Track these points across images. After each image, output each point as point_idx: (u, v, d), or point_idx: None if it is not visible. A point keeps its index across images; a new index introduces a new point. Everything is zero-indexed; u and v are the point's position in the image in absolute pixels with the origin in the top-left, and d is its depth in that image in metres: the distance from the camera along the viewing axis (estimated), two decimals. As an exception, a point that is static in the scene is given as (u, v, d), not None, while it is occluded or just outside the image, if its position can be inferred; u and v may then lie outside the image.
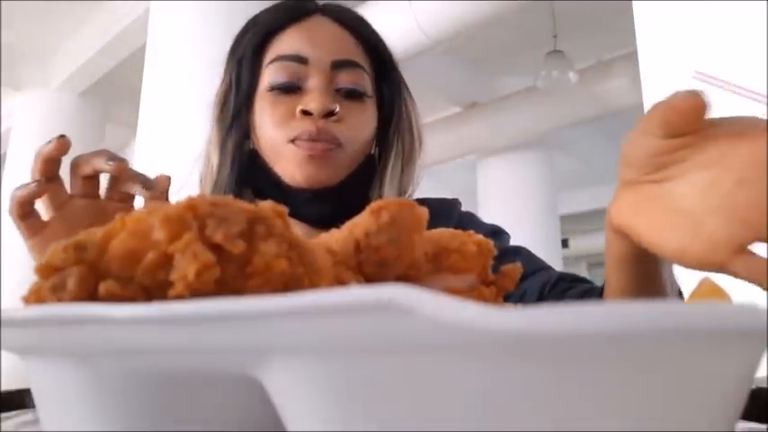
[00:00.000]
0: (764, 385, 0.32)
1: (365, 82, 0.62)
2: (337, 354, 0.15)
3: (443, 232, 0.25)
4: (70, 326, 0.16)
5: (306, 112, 0.58)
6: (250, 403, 0.19)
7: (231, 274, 0.18)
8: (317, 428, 0.16)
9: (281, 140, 0.59)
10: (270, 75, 0.60)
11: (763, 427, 0.29)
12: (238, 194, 0.62)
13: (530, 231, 4.36)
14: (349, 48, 0.62)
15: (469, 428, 0.14)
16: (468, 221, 0.66)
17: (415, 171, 0.67)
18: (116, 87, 4.33)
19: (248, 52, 0.63)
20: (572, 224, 7.27)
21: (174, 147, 2.72)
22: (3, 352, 0.20)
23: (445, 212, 0.66)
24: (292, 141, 0.58)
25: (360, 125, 0.61)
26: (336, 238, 0.23)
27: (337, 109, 0.58)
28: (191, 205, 0.18)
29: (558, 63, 3.66)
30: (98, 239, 0.19)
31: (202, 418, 0.20)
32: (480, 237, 0.25)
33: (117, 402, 0.19)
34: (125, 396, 0.19)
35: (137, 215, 0.19)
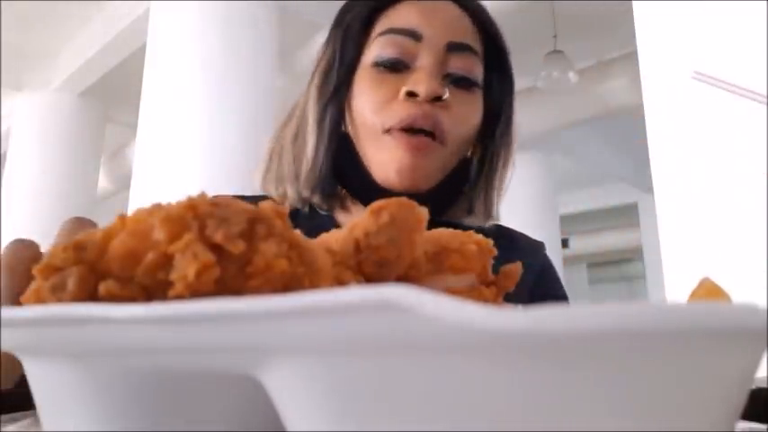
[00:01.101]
0: (764, 385, 0.32)
1: (478, 71, 0.56)
2: (337, 354, 0.15)
3: (443, 232, 0.25)
4: (70, 326, 0.16)
5: (411, 94, 0.52)
6: (250, 403, 0.19)
7: (231, 274, 0.18)
8: (317, 428, 0.16)
9: (376, 129, 0.53)
10: (377, 48, 0.55)
11: (763, 427, 0.29)
12: (331, 186, 0.57)
13: (530, 231, 4.34)
14: (467, 31, 0.56)
15: (470, 428, 0.14)
16: (549, 270, 0.60)
17: (508, 179, 0.61)
18: (116, 87, 4.33)
19: (356, 22, 0.57)
20: (572, 224, 7.27)
21: (174, 147, 2.72)
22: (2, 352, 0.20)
23: (532, 252, 0.61)
24: (388, 132, 0.53)
25: (467, 117, 0.55)
26: (336, 237, 0.23)
27: (446, 95, 0.53)
28: (191, 205, 0.18)
29: (558, 63, 3.66)
30: (98, 239, 0.19)
31: (202, 418, 0.20)
32: (480, 237, 0.25)
33: (117, 402, 0.19)
34: (125, 396, 0.19)
35: (137, 215, 0.19)
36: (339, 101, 0.57)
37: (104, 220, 0.21)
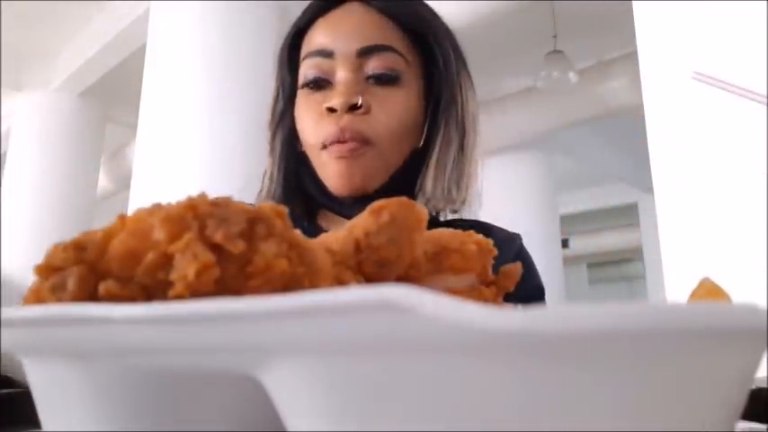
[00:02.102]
0: (764, 385, 0.32)
1: (398, 65, 0.58)
2: (337, 353, 0.15)
3: (443, 232, 0.25)
4: (70, 326, 0.16)
5: (331, 110, 0.56)
6: (250, 403, 0.19)
7: (231, 274, 0.18)
8: (317, 428, 0.16)
9: (316, 147, 0.58)
10: (303, 72, 0.60)
11: (763, 427, 0.29)
12: (287, 202, 0.61)
13: (530, 231, 4.34)
14: (380, 32, 0.58)
15: (469, 428, 0.14)
16: (525, 259, 0.62)
17: (470, 164, 0.62)
18: (116, 87, 4.33)
19: (284, 50, 0.63)
20: (572, 224, 7.27)
21: (174, 147, 2.72)
22: (2, 352, 0.20)
23: (507, 243, 0.62)
24: (324, 147, 0.57)
25: (392, 111, 0.57)
26: (336, 237, 0.23)
27: (359, 101, 0.56)
28: (191, 205, 0.18)
29: (558, 63, 3.66)
30: (98, 239, 0.19)
31: (202, 418, 0.20)
32: (480, 236, 0.25)
33: (116, 402, 0.19)
34: (125, 396, 0.19)
35: (137, 215, 0.19)
36: (285, 125, 0.62)
37: (104, 220, 0.21)
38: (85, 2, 3.80)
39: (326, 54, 0.58)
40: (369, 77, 0.58)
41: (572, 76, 3.67)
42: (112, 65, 4.12)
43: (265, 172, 0.64)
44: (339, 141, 0.56)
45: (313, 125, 0.58)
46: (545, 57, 3.71)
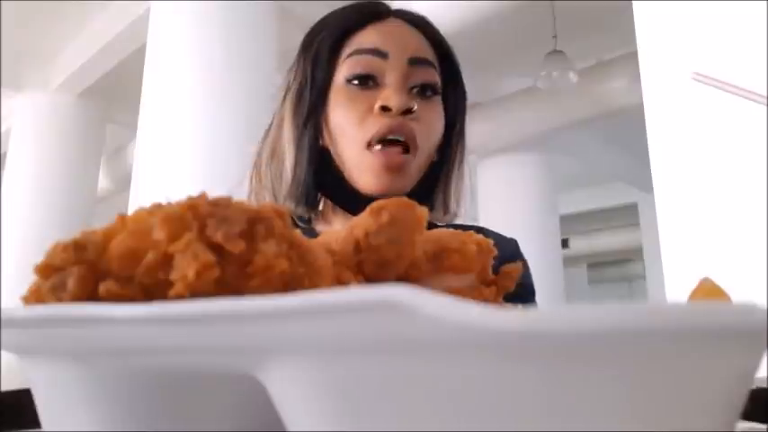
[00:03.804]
0: (764, 385, 0.32)
1: (437, 81, 0.62)
2: (338, 354, 0.15)
3: (443, 232, 0.25)
4: (70, 326, 0.16)
5: (385, 108, 0.58)
6: (250, 403, 0.19)
7: (231, 274, 0.18)
8: (317, 428, 0.16)
9: (358, 144, 0.59)
10: (348, 68, 0.61)
11: (763, 427, 0.29)
12: (314, 197, 0.63)
13: (530, 231, 4.36)
14: (424, 47, 0.63)
15: (470, 428, 0.14)
16: (519, 259, 0.65)
17: (465, 179, 0.67)
18: (116, 87, 4.33)
19: (325, 48, 0.63)
20: (572, 224, 7.27)
21: (174, 147, 2.72)
22: (2, 352, 0.20)
23: (503, 246, 0.65)
24: (368, 146, 0.58)
25: (434, 124, 0.61)
26: (336, 237, 0.23)
27: (416, 107, 0.59)
28: (191, 205, 0.18)
29: (558, 63, 3.66)
30: (98, 239, 0.19)
31: (202, 418, 0.20)
32: (480, 237, 0.25)
33: (117, 402, 0.19)
34: (125, 396, 0.19)
35: (137, 215, 0.19)
36: (316, 119, 0.62)
37: (104, 220, 0.21)
38: (85, 2, 3.80)
39: (382, 54, 0.60)
40: (413, 87, 0.61)
41: (572, 76, 3.66)
42: (112, 65, 4.12)
43: (284, 163, 0.63)
44: (387, 144, 0.58)
45: (358, 121, 0.59)
46: (545, 57, 3.71)
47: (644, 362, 0.13)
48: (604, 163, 5.92)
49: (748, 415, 0.28)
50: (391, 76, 0.60)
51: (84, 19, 3.98)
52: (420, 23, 0.65)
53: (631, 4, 2.01)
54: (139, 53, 3.31)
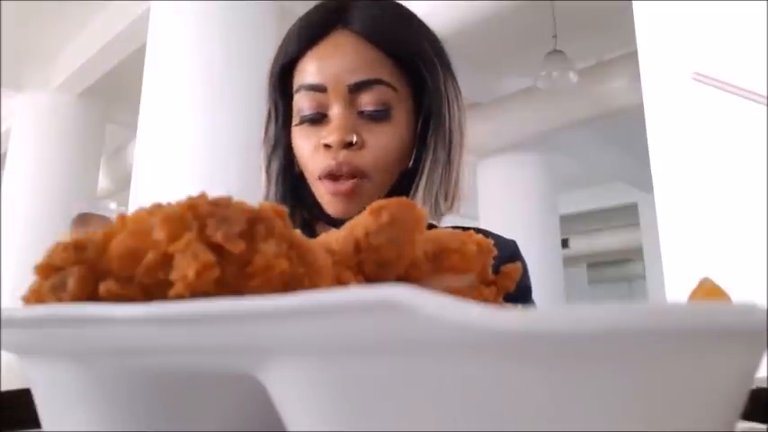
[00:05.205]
0: (764, 385, 0.32)
1: (388, 97, 0.60)
2: (338, 354, 0.15)
3: (443, 232, 0.25)
4: (70, 326, 0.16)
5: (327, 146, 0.59)
6: (250, 403, 0.19)
7: (231, 274, 0.18)
8: (317, 428, 0.16)
9: (313, 176, 0.61)
10: (298, 104, 0.62)
11: (763, 427, 0.29)
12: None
13: (530, 231, 4.36)
14: (369, 63, 0.60)
15: (470, 428, 0.14)
16: (518, 260, 0.65)
17: (456, 173, 0.64)
18: (116, 87, 4.33)
19: (275, 79, 0.65)
20: (572, 224, 7.27)
21: (174, 147, 2.72)
22: (2, 352, 0.20)
23: (502, 248, 0.65)
24: (320, 179, 0.60)
25: (385, 148, 0.60)
26: (336, 237, 0.23)
27: (354, 139, 0.58)
28: (191, 205, 0.18)
29: (558, 63, 3.66)
30: (98, 239, 0.19)
31: (202, 418, 0.20)
32: (480, 237, 0.25)
33: (116, 402, 0.19)
34: (125, 396, 0.19)
35: (137, 215, 0.19)
36: (280, 149, 0.65)
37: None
38: (85, 2, 3.80)
39: (320, 89, 0.60)
40: (361, 111, 0.60)
41: (572, 75, 3.67)
42: (112, 65, 4.12)
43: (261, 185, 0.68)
44: (334, 177, 0.59)
45: (310, 157, 0.61)
46: (545, 57, 3.71)
47: (644, 362, 0.13)
48: (604, 163, 5.92)
49: (748, 415, 0.28)
50: (334, 108, 0.59)
51: (84, 19, 3.98)
52: (369, 28, 0.60)
53: (631, 4, 2.01)
54: (139, 53, 3.31)
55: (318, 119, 0.60)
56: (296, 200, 0.65)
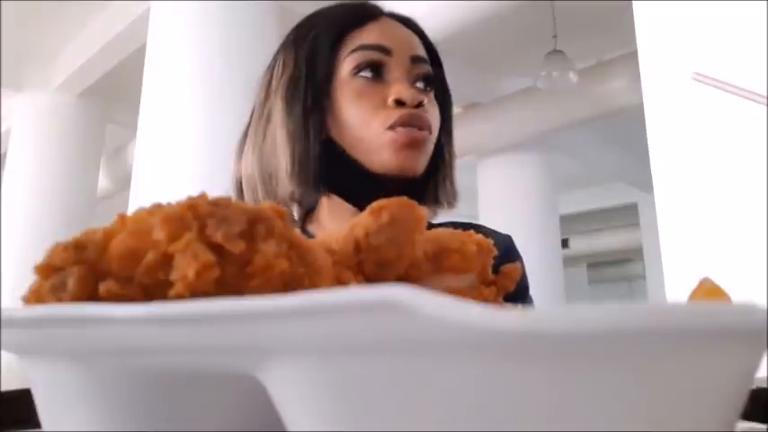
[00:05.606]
0: (764, 385, 0.32)
1: (432, 80, 0.65)
2: (338, 354, 0.15)
3: (443, 232, 0.25)
4: (70, 326, 0.16)
5: (399, 102, 0.60)
6: (250, 403, 0.19)
7: (231, 274, 0.18)
8: (317, 428, 0.16)
9: (376, 128, 0.60)
10: (353, 62, 0.62)
11: (763, 427, 0.29)
12: (318, 191, 0.64)
13: (530, 231, 4.36)
14: (420, 46, 0.65)
15: (470, 428, 0.14)
16: (514, 257, 0.67)
17: (457, 179, 0.69)
18: (116, 87, 4.33)
19: (324, 42, 0.64)
20: (572, 224, 7.27)
21: (174, 147, 2.72)
22: (3, 352, 0.20)
23: (499, 243, 0.66)
24: (391, 128, 0.60)
25: (437, 115, 0.64)
26: (336, 237, 0.23)
27: (426, 100, 0.61)
28: (191, 205, 0.18)
29: (558, 63, 3.66)
30: (98, 239, 0.19)
31: (202, 418, 0.20)
32: (480, 237, 0.25)
33: (116, 402, 0.19)
34: (125, 396, 0.19)
35: (137, 215, 0.19)
36: (320, 113, 0.62)
37: (104, 220, 0.21)
38: (85, 2, 3.80)
39: (386, 51, 0.62)
40: (415, 82, 0.63)
41: (572, 75, 3.66)
42: (112, 65, 4.12)
43: (285, 157, 0.62)
44: (411, 125, 0.59)
45: (372, 112, 0.60)
46: (545, 57, 3.71)
47: (644, 362, 0.13)
48: (604, 163, 5.92)
49: (748, 415, 0.28)
50: (397, 71, 0.61)
51: (84, 19, 3.98)
52: (410, 25, 0.67)
53: (631, 4, 2.01)
54: (139, 53, 3.31)
55: (378, 78, 0.62)
56: (332, 165, 0.62)
